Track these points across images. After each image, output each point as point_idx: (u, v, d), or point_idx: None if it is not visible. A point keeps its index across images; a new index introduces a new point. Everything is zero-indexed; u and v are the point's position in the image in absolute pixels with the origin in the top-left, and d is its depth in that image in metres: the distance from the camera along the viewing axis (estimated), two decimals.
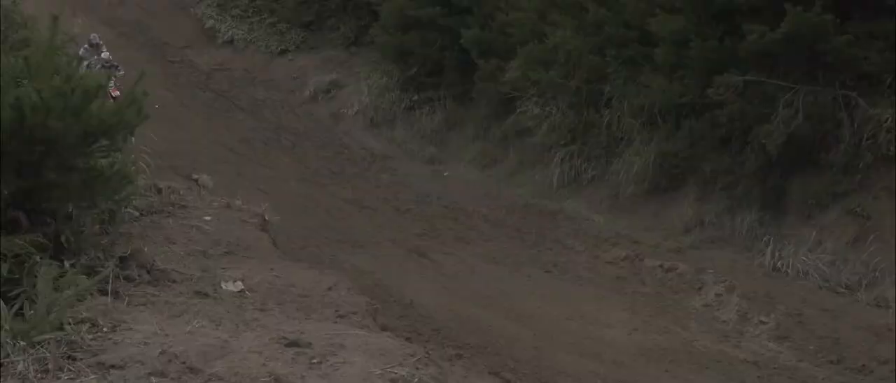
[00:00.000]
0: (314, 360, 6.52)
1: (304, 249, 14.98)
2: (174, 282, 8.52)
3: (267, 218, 12.54)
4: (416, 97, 24.33)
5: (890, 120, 15.86)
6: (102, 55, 21.74)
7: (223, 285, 8.76)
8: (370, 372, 6.30)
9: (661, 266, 16.11)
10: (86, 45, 20.83)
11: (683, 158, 18.37)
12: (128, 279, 8.18)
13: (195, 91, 26.22)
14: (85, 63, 20.85)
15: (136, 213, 10.38)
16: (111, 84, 19.82)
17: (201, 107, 24.96)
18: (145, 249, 8.97)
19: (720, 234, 17.18)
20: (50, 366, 6.01)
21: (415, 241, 17.26)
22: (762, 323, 14.14)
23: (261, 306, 8.31)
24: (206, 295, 8.31)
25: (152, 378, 5.86)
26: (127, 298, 7.64)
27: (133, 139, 10.41)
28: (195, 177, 18.07)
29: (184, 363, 6.16)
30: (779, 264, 15.85)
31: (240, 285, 8.82)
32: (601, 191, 19.44)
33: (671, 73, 18.01)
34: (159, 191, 11.73)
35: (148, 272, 8.47)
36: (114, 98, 19.92)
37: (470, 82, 23.13)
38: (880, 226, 15.71)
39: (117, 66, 20.66)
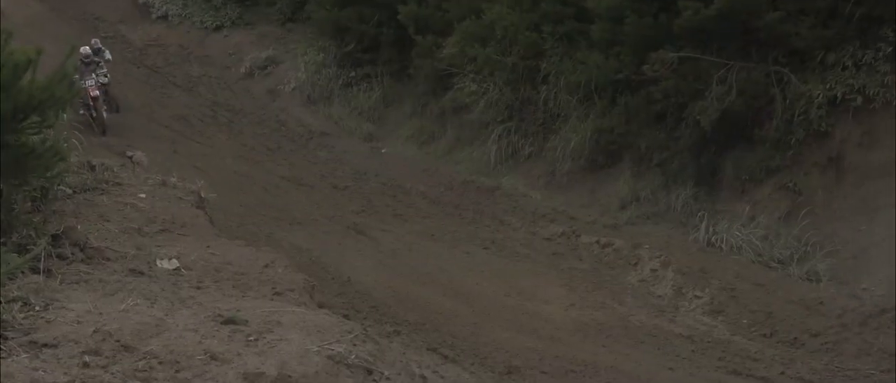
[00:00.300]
0: (251, 338, 6.49)
1: (240, 227, 14.89)
2: (108, 259, 8.43)
3: (203, 195, 12.44)
4: (353, 73, 24.22)
5: (821, 96, 16.09)
6: (106, 57, 21.96)
7: (158, 263, 8.68)
8: (307, 349, 6.28)
9: (597, 242, 16.23)
10: (82, 58, 20.51)
11: (619, 134, 18.48)
12: (61, 257, 8.08)
13: (129, 67, 25.85)
14: (89, 82, 20.90)
15: (69, 191, 10.24)
16: (92, 82, 20.62)
17: (135, 83, 24.64)
18: (79, 227, 8.87)
19: (655, 210, 17.32)
20: None
21: (352, 218, 17.23)
22: (697, 297, 14.32)
23: (197, 284, 8.25)
24: (141, 273, 8.23)
25: (86, 356, 5.79)
26: (60, 276, 7.54)
27: (65, 115, 10.25)
28: (129, 154, 17.89)
29: (118, 341, 6.10)
30: (713, 239, 16.02)
31: (175, 263, 8.74)
32: (538, 168, 19.51)
33: (607, 49, 18.10)
34: (93, 168, 11.58)
35: (81, 250, 8.37)
36: (93, 98, 20.56)
37: (407, 58, 23.07)
38: (812, 201, 15.95)
39: (101, 66, 21.25)
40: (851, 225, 15.49)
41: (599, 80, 18.38)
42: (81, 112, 20.63)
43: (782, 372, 12.13)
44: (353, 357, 6.38)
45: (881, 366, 12.23)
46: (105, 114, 21.15)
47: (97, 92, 20.92)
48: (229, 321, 6.76)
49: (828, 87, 16.08)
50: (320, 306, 8.64)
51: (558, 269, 15.41)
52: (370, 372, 6.35)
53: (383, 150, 21.75)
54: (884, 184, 15.57)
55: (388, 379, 6.32)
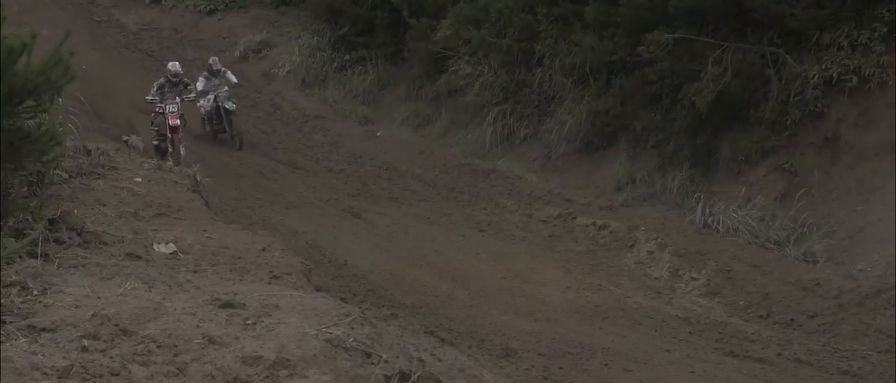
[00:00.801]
0: (248, 321, 6.48)
1: (236, 210, 14.88)
2: (105, 244, 8.41)
3: (199, 179, 12.43)
4: (347, 57, 24.19)
5: (816, 76, 16.08)
6: (231, 79, 20.62)
7: (155, 247, 8.66)
8: (305, 333, 6.26)
9: (593, 224, 16.23)
10: (168, 76, 18.69)
11: (615, 116, 18.48)
12: (58, 241, 8.06)
13: (123, 51, 25.82)
14: (209, 96, 20.15)
15: (65, 175, 10.21)
16: (174, 108, 18.06)
17: (130, 67, 24.57)
18: (75, 211, 8.84)
19: (652, 192, 17.34)
20: None
21: (348, 202, 17.23)
22: (693, 279, 14.33)
23: (194, 268, 8.23)
24: (139, 257, 8.21)
25: (84, 340, 5.78)
26: (57, 261, 7.52)
27: (60, 99, 10.22)
28: (125, 138, 17.85)
29: (116, 325, 6.08)
30: (709, 221, 16.04)
31: (172, 247, 8.72)
32: (534, 150, 19.51)
33: (602, 30, 18.07)
34: (88, 152, 11.54)
35: (78, 234, 8.35)
36: (172, 128, 17.82)
37: (401, 41, 23.04)
38: (808, 182, 15.98)
39: (188, 86, 18.91)
40: (847, 205, 15.51)
41: (594, 61, 18.38)
42: (154, 142, 18.32)
43: (779, 354, 12.15)
44: (350, 340, 6.37)
45: (878, 347, 12.26)
46: (183, 151, 18.04)
47: (178, 121, 18.08)
48: (227, 305, 6.74)
49: (823, 67, 16.09)
50: (317, 289, 8.63)
51: (554, 252, 15.42)
52: (368, 355, 6.34)
53: (378, 133, 21.73)
54: (880, 165, 15.58)
55: (385, 361, 6.31)
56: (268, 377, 5.66)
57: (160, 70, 24.76)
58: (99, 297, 6.68)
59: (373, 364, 6.30)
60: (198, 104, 20.00)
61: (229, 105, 20.18)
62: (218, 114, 20.28)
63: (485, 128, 20.20)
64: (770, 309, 13.40)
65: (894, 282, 13.46)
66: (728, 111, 16.95)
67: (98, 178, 10.79)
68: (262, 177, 18.36)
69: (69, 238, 8.19)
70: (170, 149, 17.86)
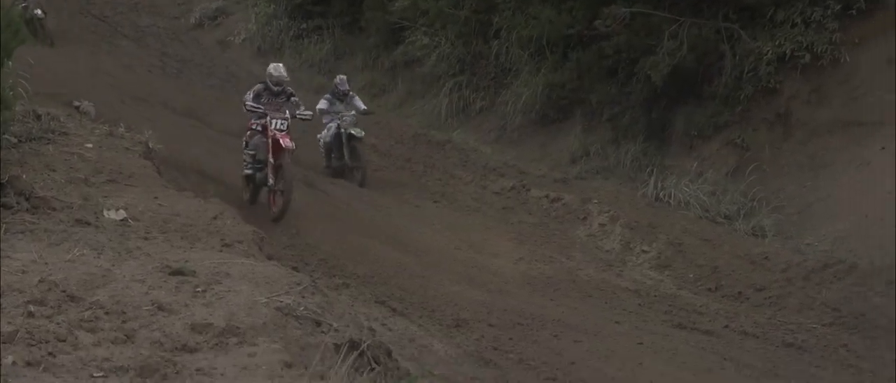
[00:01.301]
0: (198, 289, 6.47)
1: (189, 178, 14.76)
2: (54, 209, 8.34)
3: (151, 146, 12.34)
4: (303, 25, 24.11)
5: (770, 52, 16.22)
6: (358, 105, 17.24)
7: (105, 213, 8.61)
8: (256, 301, 6.26)
9: (547, 196, 16.30)
10: (271, 80, 14.42)
11: (571, 89, 18.56)
12: (6, 206, 7.98)
13: (76, 16, 25.50)
14: (331, 124, 16.80)
15: (14, 140, 10.10)
16: (283, 124, 13.84)
17: (82, 32, 24.29)
18: (24, 176, 8.76)
19: (605, 165, 17.44)
20: None
21: (303, 171, 17.14)
22: (644, 252, 14.45)
23: (144, 235, 8.19)
24: (88, 223, 8.16)
25: (31, 306, 5.74)
26: (5, 226, 7.45)
27: (10, 63, 10.10)
28: (76, 103, 17.63)
29: (64, 291, 6.05)
30: (661, 194, 16.17)
31: (123, 213, 8.67)
32: (489, 122, 19.55)
33: (559, 4, 18.13)
34: (38, 117, 11.42)
35: (27, 199, 8.27)
36: (278, 150, 13.53)
37: (358, 11, 22.99)
38: (759, 157, 16.14)
39: (293, 98, 14.51)
40: (797, 181, 15.68)
41: (551, 34, 18.42)
42: (247, 171, 14.23)
43: (726, 326, 12.28)
44: (301, 309, 6.38)
45: (823, 320, 12.43)
46: (281, 200, 13.50)
47: (290, 141, 13.67)
48: (177, 272, 6.72)
49: (777, 43, 16.24)
50: (269, 258, 8.62)
51: (508, 223, 15.48)
52: (318, 323, 6.35)
53: None
54: (830, 141, 15.78)
55: (336, 330, 6.33)
56: (217, 345, 5.64)
57: (113, 36, 24.58)
58: (46, 263, 6.63)
59: (323, 332, 6.30)
60: (317, 136, 17.12)
61: (356, 131, 16.84)
62: (339, 143, 16.90)
63: (441, 99, 20.22)
64: (719, 283, 13.54)
65: (840, 256, 13.66)
66: (683, 86, 17.07)
67: (48, 144, 10.69)
68: (215, 145, 18.23)
69: (17, 203, 8.11)
70: (270, 181, 13.80)
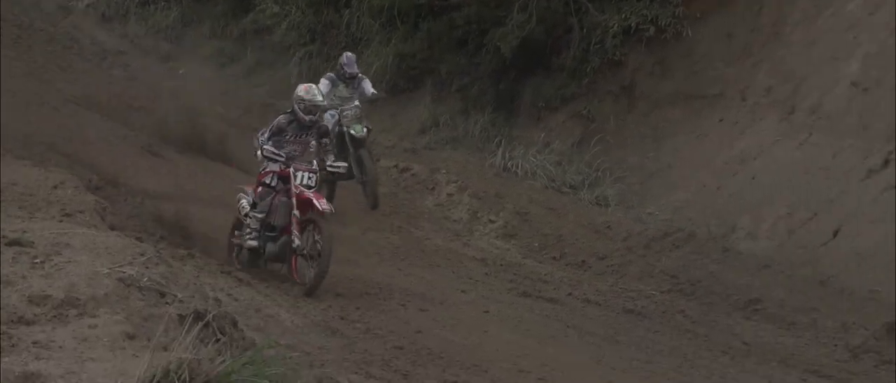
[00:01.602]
0: (37, 260, 6.33)
1: (28, 147, 14.35)
2: None
3: None
4: None
5: (616, 25, 16.58)
6: (364, 87, 14.42)
7: None
8: (97, 272, 6.16)
9: (396, 166, 16.39)
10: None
11: (421, 60, 18.63)
12: None
13: None
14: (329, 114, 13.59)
15: None
16: (310, 180, 11.04)
17: None
18: None
19: (454, 135, 17.59)
20: None
21: (148, 140, 16.83)
22: (491, 221, 14.67)
23: None
24: None
25: None
26: None
27: None
28: None
29: None
30: (509, 165, 16.41)
31: None
32: None
33: None
34: None
35: None
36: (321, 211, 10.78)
37: None
38: (604, 129, 16.53)
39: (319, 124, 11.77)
40: (640, 152, 16.12)
41: (402, 4, 18.45)
42: (251, 242, 11.26)
43: (569, 294, 12.58)
44: (145, 279, 6.30)
45: (662, 287, 12.83)
46: (313, 272, 10.84)
47: (327, 205, 11.20)
48: (14, 243, 6.56)
49: (623, 17, 16.62)
50: (112, 228, 8.49)
51: (357, 192, 15.48)
52: (163, 294, 6.28)
53: (181, 71, 21.26)
54: (672, 113, 16.26)
55: (180, 301, 6.27)
56: (55, 316, 5.55)
57: None
58: None
59: (167, 303, 6.24)
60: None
61: (357, 129, 14.02)
62: (339, 144, 13.78)
63: (291, 68, 20.04)
64: (563, 251, 13.85)
65: (679, 225, 14.11)
66: (531, 57, 17.32)
67: None
68: (57, 114, 17.73)
69: None
70: (296, 243, 10.89)
